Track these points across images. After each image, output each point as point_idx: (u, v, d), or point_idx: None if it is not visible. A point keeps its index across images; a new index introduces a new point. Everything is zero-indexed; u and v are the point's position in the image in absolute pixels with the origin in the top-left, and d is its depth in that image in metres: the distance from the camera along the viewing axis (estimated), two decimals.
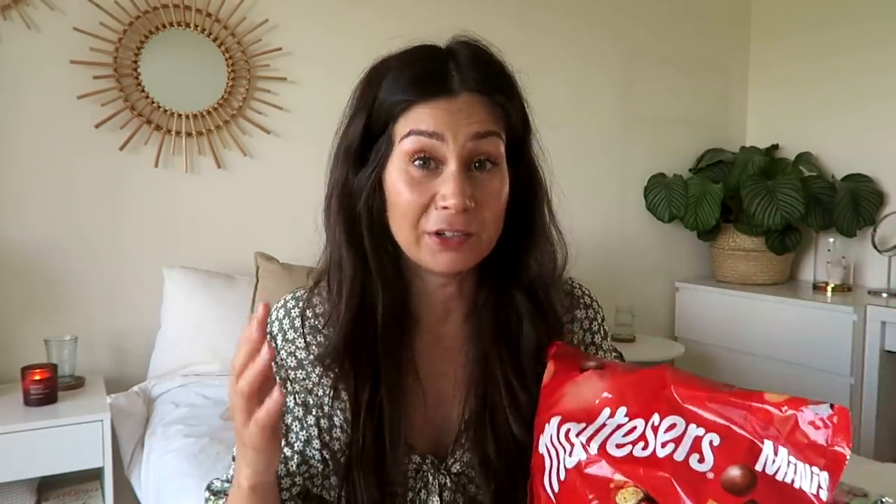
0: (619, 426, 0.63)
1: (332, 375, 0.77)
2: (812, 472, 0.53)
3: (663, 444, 0.59)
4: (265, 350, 0.61)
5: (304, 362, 0.79)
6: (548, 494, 0.65)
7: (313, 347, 0.79)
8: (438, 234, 0.70)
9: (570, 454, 0.63)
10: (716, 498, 0.54)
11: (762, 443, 0.56)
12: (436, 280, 0.77)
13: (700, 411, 0.59)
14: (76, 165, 2.01)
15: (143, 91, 2.05)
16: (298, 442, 0.78)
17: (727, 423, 0.58)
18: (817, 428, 0.54)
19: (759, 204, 2.64)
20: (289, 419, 0.79)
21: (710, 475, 0.56)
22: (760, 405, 0.57)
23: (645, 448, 0.60)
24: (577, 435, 0.64)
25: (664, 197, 2.87)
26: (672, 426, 0.60)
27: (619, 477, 0.60)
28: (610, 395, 0.65)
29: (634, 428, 0.62)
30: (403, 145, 0.70)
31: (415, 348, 0.78)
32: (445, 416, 0.80)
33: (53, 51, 1.95)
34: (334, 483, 0.77)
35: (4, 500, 1.74)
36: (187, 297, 2.00)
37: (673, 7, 3.02)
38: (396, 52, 0.75)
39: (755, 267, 2.86)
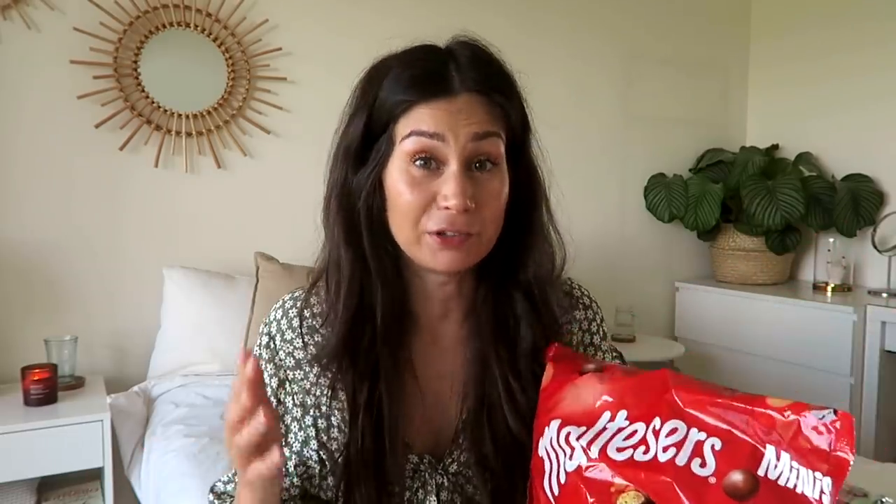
0: (620, 430, 0.62)
1: (329, 375, 0.77)
2: (815, 478, 0.53)
3: (665, 449, 0.59)
4: (261, 417, 0.60)
5: (302, 362, 0.79)
6: (548, 497, 0.65)
7: (311, 347, 0.79)
8: (439, 233, 0.70)
9: (571, 458, 0.63)
10: (718, 502, 0.54)
11: (764, 447, 0.56)
12: (435, 279, 0.77)
13: (702, 415, 0.59)
14: (76, 165, 2.01)
15: (143, 91, 2.05)
16: (297, 443, 0.79)
17: (729, 428, 0.58)
18: (820, 433, 0.54)
19: (759, 204, 2.64)
20: (287, 419, 0.79)
21: (712, 480, 0.55)
22: (763, 410, 0.57)
23: (646, 452, 0.59)
24: (578, 438, 0.64)
25: (664, 197, 2.87)
26: (673, 430, 0.59)
27: (619, 481, 0.59)
28: (610, 399, 0.65)
29: (635, 432, 0.61)
30: (404, 145, 0.70)
31: (413, 348, 0.79)
32: (443, 415, 0.80)
33: (53, 51, 1.95)
34: (332, 483, 0.77)
35: (4, 500, 1.73)
36: (187, 297, 2.00)
37: (673, 7, 3.02)
38: (397, 52, 0.75)
39: (755, 267, 2.86)
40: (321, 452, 0.77)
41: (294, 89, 2.27)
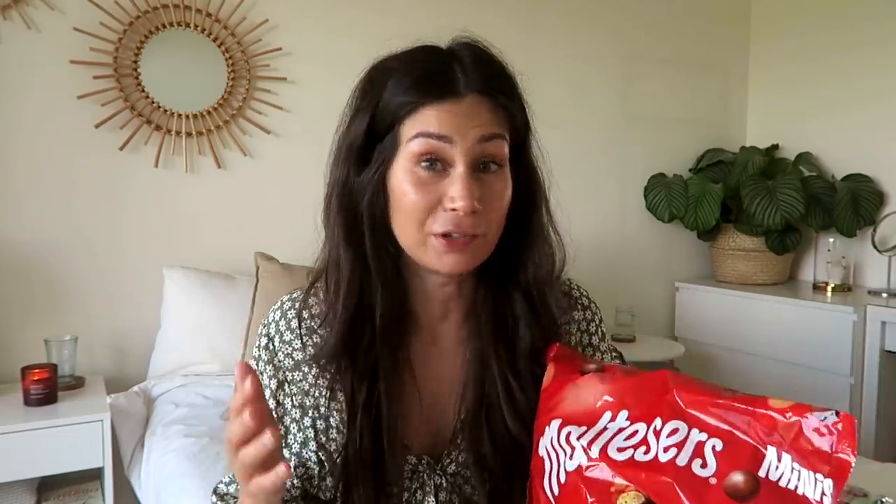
0: (621, 430, 0.62)
1: (328, 376, 0.77)
2: (816, 479, 0.53)
3: (665, 449, 0.59)
4: (268, 435, 0.59)
5: (301, 363, 0.79)
6: (547, 497, 0.65)
7: (309, 348, 0.79)
8: (444, 235, 0.70)
9: (571, 457, 0.63)
10: (718, 503, 0.54)
11: (766, 449, 0.56)
12: (435, 280, 0.77)
13: (703, 416, 0.59)
14: (76, 165, 2.01)
15: (143, 91, 2.05)
16: (295, 444, 0.79)
17: (730, 429, 0.57)
18: (822, 435, 0.54)
19: (759, 204, 2.64)
20: (286, 421, 0.79)
21: (713, 481, 0.55)
22: (764, 411, 0.57)
23: (647, 452, 0.59)
24: (578, 438, 0.64)
25: (664, 197, 2.87)
26: (674, 431, 0.59)
27: (619, 481, 0.59)
28: (611, 399, 0.65)
29: (636, 432, 0.61)
30: (410, 147, 0.70)
31: (412, 348, 0.79)
32: (441, 416, 0.80)
33: (53, 51, 1.95)
34: (330, 484, 0.77)
35: (4, 500, 1.73)
36: (187, 297, 2.00)
37: (673, 7, 3.02)
38: (398, 52, 0.75)
39: (755, 267, 2.86)
40: (320, 453, 0.77)
41: (294, 89, 2.27)
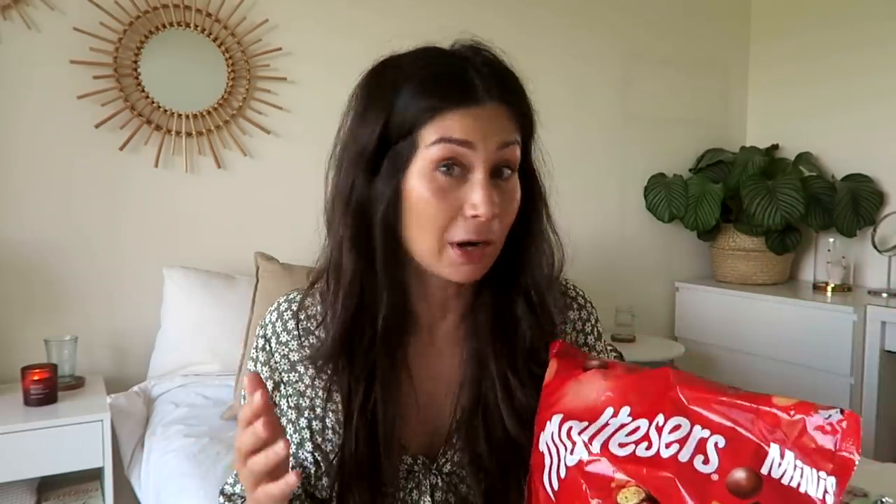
0: (623, 426, 0.63)
1: (324, 377, 0.77)
2: (819, 477, 0.53)
3: (667, 445, 0.59)
4: (280, 445, 0.60)
5: (297, 364, 0.79)
6: (547, 492, 0.65)
7: (306, 349, 0.79)
8: (461, 244, 0.70)
9: (572, 452, 0.63)
10: (720, 500, 0.54)
11: (768, 446, 0.56)
12: (437, 282, 0.77)
13: (706, 413, 0.59)
14: (76, 165, 2.01)
15: (143, 91, 2.05)
16: (292, 445, 0.78)
17: (733, 426, 0.58)
18: (825, 433, 0.54)
19: (759, 204, 2.64)
20: (283, 422, 0.79)
21: (715, 477, 0.55)
22: (768, 408, 0.57)
23: (648, 448, 0.59)
24: (580, 433, 0.64)
25: (664, 197, 2.87)
26: (677, 427, 0.59)
27: (620, 476, 0.59)
28: (613, 395, 0.65)
29: (638, 428, 0.62)
30: (430, 152, 0.69)
31: (409, 348, 0.79)
32: (437, 415, 0.80)
33: (53, 51, 1.95)
34: (326, 484, 0.77)
35: (4, 500, 1.73)
36: (187, 297, 2.00)
37: (672, 6, 3.01)
38: (402, 54, 0.74)
39: (755, 267, 2.86)
40: (316, 454, 0.77)
41: (294, 89, 2.27)
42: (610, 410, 0.64)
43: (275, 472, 0.62)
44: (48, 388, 1.73)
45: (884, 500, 1.22)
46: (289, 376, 0.80)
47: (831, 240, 2.79)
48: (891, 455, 2.40)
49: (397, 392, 0.77)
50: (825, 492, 0.53)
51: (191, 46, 2.11)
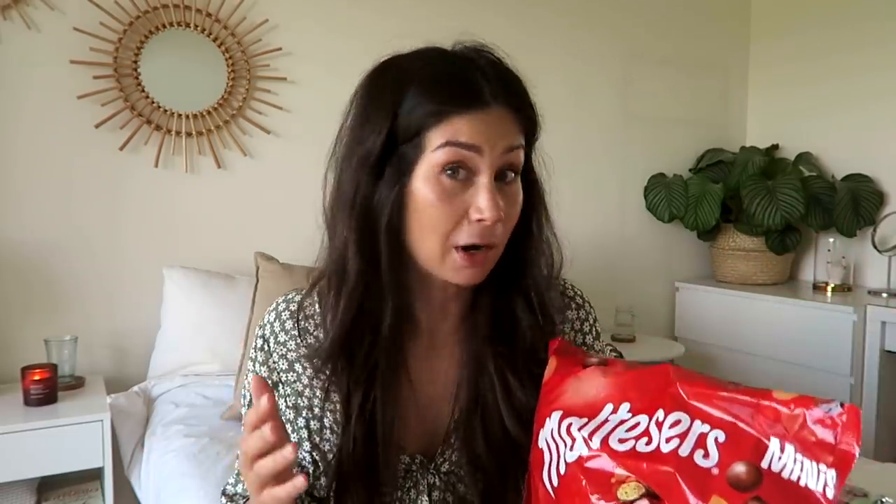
0: (622, 422, 0.63)
1: (322, 377, 0.77)
2: (819, 470, 0.53)
3: (668, 440, 0.59)
4: (289, 448, 0.61)
5: (295, 364, 0.79)
6: (546, 489, 0.65)
7: (303, 349, 0.79)
8: (465, 248, 0.70)
9: (571, 448, 0.63)
10: (721, 494, 0.54)
11: (768, 440, 0.56)
12: (439, 283, 0.77)
13: (706, 408, 0.59)
14: (76, 165, 2.01)
15: (143, 91, 2.05)
16: None
17: (734, 421, 0.58)
18: (825, 426, 0.54)
19: (759, 204, 2.64)
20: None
21: (715, 471, 0.56)
22: (768, 403, 0.57)
23: (648, 443, 0.60)
24: (580, 429, 0.64)
25: (664, 197, 2.87)
26: (677, 422, 0.60)
27: (620, 471, 0.60)
28: (613, 391, 0.66)
29: (638, 424, 0.62)
30: (436, 156, 0.69)
31: (408, 349, 0.78)
32: (435, 416, 0.80)
33: (53, 51, 1.95)
34: (324, 484, 0.77)
35: (4, 500, 1.73)
36: (187, 297, 2.00)
37: (672, 6, 3.01)
38: (405, 55, 0.74)
39: (755, 267, 2.86)
40: (314, 454, 0.77)
41: (294, 89, 2.27)
42: (610, 407, 0.64)
43: (281, 476, 0.62)
44: (48, 388, 1.73)
45: (884, 500, 1.22)
46: (287, 376, 0.80)
47: (831, 240, 2.79)
48: (891, 455, 2.40)
49: (396, 392, 0.77)
50: (825, 485, 0.53)
51: (191, 46, 2.11)
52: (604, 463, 0.61)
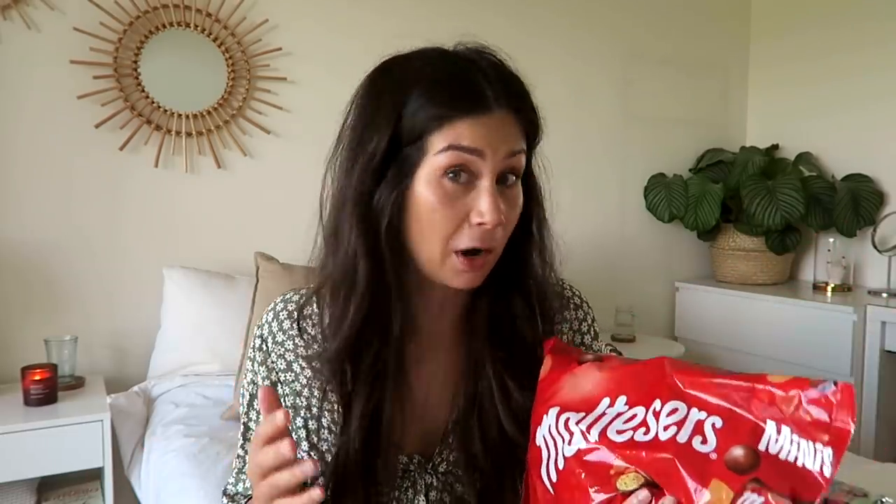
0: (620, 414, 0.63)
1: (321, 378, 0.77)
2: (815, 449, 0.54)
3: (665, 428, 0.59)
4: (309, 464, 0.61)
5: (294, 364, 0.79)
6: (545, 486, 0.65)
7: (301, 350, 0.79)
8: (466, 253, 0.70)
9: (570, 443, 0.63)
10: (720, 477, 0.55)
11: (765, 423, 0.56)
12: (437, 284, 0.77)
13: (702, 395, 0.60)
14: (76, 165, 2.01)
15: (143, 91, 2.05)
16: None
17: (730, 406, 0.58)
18: (820, 405, 0.55)
19: (759, 204, 2.64)
20: None
21: (714, 456, 0.56)
22: (763, 386, 0.58)
23: (646, 433, 0.60)
24: (577, 423, 0.64)
25: (664, 197, 2.87)
26: (674, 410, 0.60)
27: (619, 463, 0.60)
28: (609, 385, 0.66)
29: (635, 415, 0.62)
30: (438, 159, 0.68)
31: (408, 350, 0.78)
32: (433, 416, 0.80)
33: (53, 51, 1.95)
34: (321, 483, 0.77)
35: (4, 500, 1.73)
36: (187, 297, 2.00)
37: (672, 6, 3.01)
38: (407, 56, 0.74)
39: (755, 267, 2.86)
40: (312, 453, 0.77)
41: (294, 89, 2.27)
42: (606, 400, 0.65)
43: (295, 488, 0.63)
44: (48, 388, 1.73)
45: (884, 500, 1.22)
46: (285, 376, 0.80)
47: (831, 240, 2.79)
48: (891, 455, 2.40)
49: (396, 395, 0.77)
50: (822, 464, 0.54)
51: (191, 46, 2.11)
52: (602, 455, 0.61)
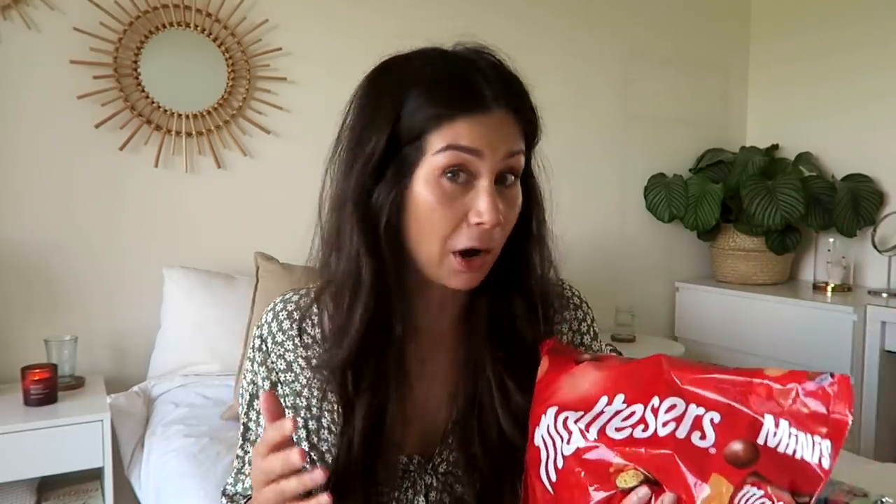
0: (618, 412, 0.63)
1: (321, 378, 0.77)
2: (814, 442, 0.54)
3: (664, 424, 0.60)
4: (319, 472, 0.61)
5: (293, 364, 0.79)
6: (544, 485, 0.65)
7: (301, 350, 0.79)
8: (463, 253, 0.70)
9: (569, 442, 0.64)
10: (720, 471, 0.55)
11: (763, 417, 0.57)
12: (437, 285, 0.77)
13: (700, 391, 0.60)
14: (76, 165, 2.01)
15: (143, 91, 2.05)
16: None
17: (728, 401, 0.59)
18: (817, 398, 0.55)
19: (759, 204, 2.64)
20: None
21: (713, 451, 0.56)
22: (761, 381, 0.58)
23: (645, 430, 0.60)
24: (576, 422, 0.64)
25: (664, 197, 2.87)
26: (672, 406, 0.60)
27: (618, 460, 0.60)
28: (607, 384, 0.66)
29: (633, 413, 0.62)
30: (437, 159, 0.68)
31: (409, 350, 0.78)
32: (433, 416, 0.80)
33: (53, 51, 1.95)
34: (321, 484, 0.77)
35: (4, 500, 1.73)
36: (187, 297, 2.00)
37: (672, 6, 3.01)
38: (406, 57, 0.74)
39: (755, 267, 2.86)
40: (312, 453, 0.77)
41: (294, 89, 2.27)
42: (605, 399, 0.65)
43: (300, 494, 0.63)
44: (48, 388, 1.73)
45: (884, 500, 1.22)
46: (285, 376, 0.80)
47: (831, 240, 2.79)
48: (891, 455, 2.40)
49: (397, 393, 0.77)
50: (821, 456, 0.54)
51: (191, 46, 2.11)
52: (602, 453, 0.61)
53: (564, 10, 2.76)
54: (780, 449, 0.55)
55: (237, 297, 1.99)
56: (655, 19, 2.97)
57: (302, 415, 0.78)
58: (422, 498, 0.78)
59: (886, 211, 2.69)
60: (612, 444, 0.61)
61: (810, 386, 0.56)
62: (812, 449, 0.54)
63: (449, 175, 0.69)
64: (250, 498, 0.78)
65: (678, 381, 0.62)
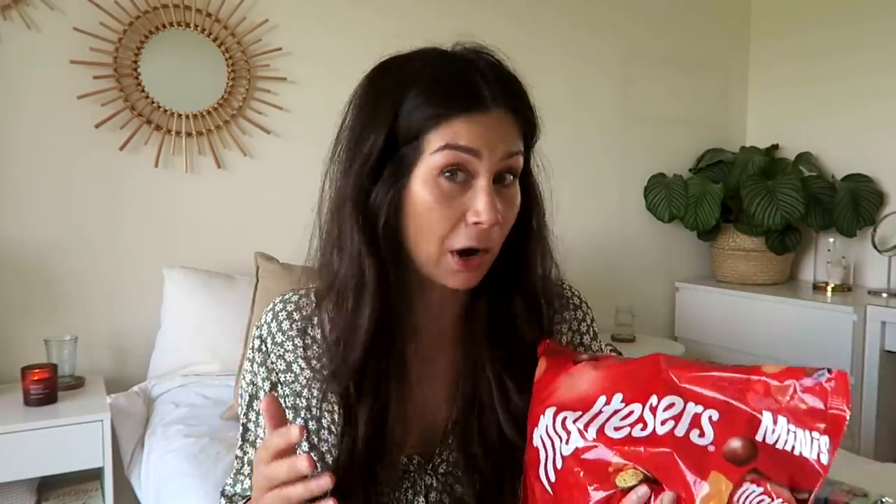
0: (616, 411, 0.63)
1: (320, 378, 0.77)
2: (812, 438, 0.54)
3: (663, 422, 0.60)
4: (327, 478, 0.61)
5: (293, 365, 0.79)
6: (543, 486, 0.65)
7: (301, 350, 0.79)
8: (461, 253, 0.70)
9: (567, 442, 0.63)
10: (719, 469, 0.55)
11: (761, 414, 0.57)
12: (436, 284, 0.77)
13: (698, 389, 0.60)
14: (76, 165, 2.01)
15: (143, 91, 2.05)
16: None
17: (726, 399, 0.59)
18: (815, 394, 0.55)
19: (759, 204, 2.64)
20: None
21: (712, 448, 0.57)
22: (758, 377, 0.58)
23: (644, 429, 0.60)
24: (574, 422, 0.64)
25: (664, 197, 2.87)
26: (671, 405, 0.60)
27: (617, 460, 0.60)
28: (605, 383, 0.66)
29: (632, 412, 0.62)
30: (434, 158, 0.68)
31: (409, 350, 0.78)
32: (433, 416, 0.80)
33: (53, 51, 1.95)
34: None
35: (4, 500, 1.73)
36: (187, 297, 2.00)
37: (672, 6, 3.02)
38: (405, 56, 0.74)
39: (755, 267, 2.86)
40: (312, 454, 0.77)
41: (294, 89, 2.27)
42: (603, 398, 0.65)
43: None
44: (48, 388, 1.73)
45: (884, 500, 1.22)
46: (284, 377, 0.80)
47: (831, 240, 2.79)
48: (891, 455, 2.40)
49: (398, 394, 0.77)
50: (819, 451, 0.54)
51: (191, 46, 2.11)
52: (601, 453, 0.61)
53: (564, 10, 2.76)
54: (779, 445, 0.55)
55: (237, 297, 1.99)
56: (655, 19, 2.97)
57: (302, 415, 0.78)
58: (422, 498, 0.78)
59: (886, 211, 2.69)
60: (610, 443, 0.61)
61: (808, 382, 0.56)
62: (811, 445, 0.54)
63: (447, 174, 0.69)
64: (249, 499, 0.78)
65: (676, 380, 0.62)
